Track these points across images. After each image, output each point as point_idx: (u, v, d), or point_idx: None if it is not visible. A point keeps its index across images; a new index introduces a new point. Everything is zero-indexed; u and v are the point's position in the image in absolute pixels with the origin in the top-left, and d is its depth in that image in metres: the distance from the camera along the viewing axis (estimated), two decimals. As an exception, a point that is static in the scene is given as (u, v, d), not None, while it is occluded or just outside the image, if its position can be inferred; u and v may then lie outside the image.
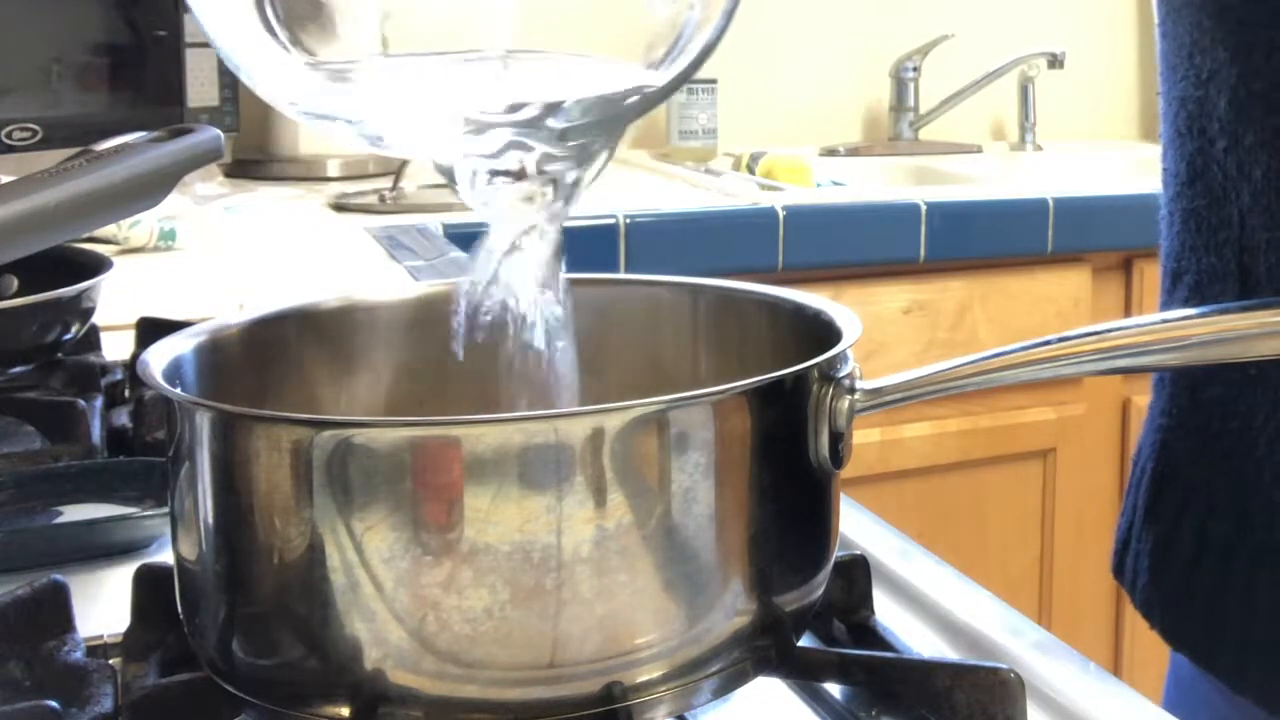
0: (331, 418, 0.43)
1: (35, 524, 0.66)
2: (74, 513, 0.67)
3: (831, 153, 2.22)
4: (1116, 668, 1.84)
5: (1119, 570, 0.71)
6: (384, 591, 0.41)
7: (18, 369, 0.84)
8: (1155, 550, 0.69)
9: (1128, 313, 1.80)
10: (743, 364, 0.52)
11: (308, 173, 1.87)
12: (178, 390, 0.45)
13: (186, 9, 1.66)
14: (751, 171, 1.98)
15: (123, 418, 0.79)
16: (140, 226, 1.32)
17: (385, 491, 0.40)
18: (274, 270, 1.31)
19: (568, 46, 0.48)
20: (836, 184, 2.03)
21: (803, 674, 0.49)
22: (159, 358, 0.47)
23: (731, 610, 0.44)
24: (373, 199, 1.66)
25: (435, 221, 1.51)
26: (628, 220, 1.55)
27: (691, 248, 1.58)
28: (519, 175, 0.46)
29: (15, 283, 0.85)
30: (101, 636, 0.52)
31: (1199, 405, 0.67)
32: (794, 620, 0.47)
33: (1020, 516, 1.78)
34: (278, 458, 0.41)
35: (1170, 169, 0.69)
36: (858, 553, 0.54)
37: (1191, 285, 0.67)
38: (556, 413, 0.46)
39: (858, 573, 0.54)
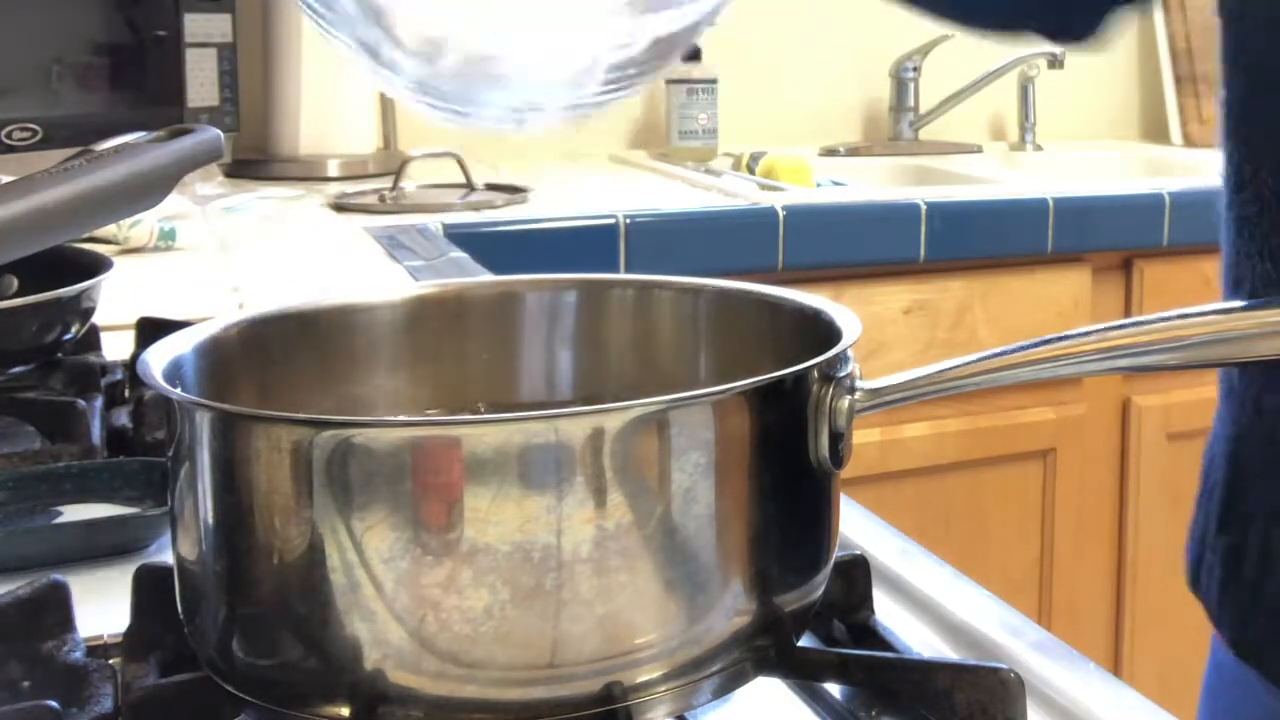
0: (331, 418, 0.43)
1: (35, 524, 0.66)
2: (74, 513, 0.67)
3: (831, 153, 2.22)
4: (1116, 668, 1.84)
5: (1195, 583, 0.71)
6: (384, 591, 0.41)
7: (18, 369, 0.84)
8: (1225, 561, 0.69)
9: (1128, 313, 1.80)
10: (743, 364, 0.52)
11: (308, 173, 1.87)
12: (178, 390, 0.45)
13: (187, 9, 1.66)
14: (751, 171, 1.98)
15: (123, 418, 0.79)
16: (140, 226, 1.32)
17: (385, 491, 0.40)
18: (274, 270, 1.31)
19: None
20: (836, 184, 2.03)
21: (803, 674, 0.49)
22: (159, 358, 0.47)
23: (731, 610, 0.44)
24: (373, 199, 1.66)
25: (435, 221, 1.51)
26: (628, 220, 1.55)
27: (691, 248, 1.58)
28: None
29: (15, 283, 0.85)
30: (101, 636, 0.52)
31: (1263, 413, 0.67)
32: (794, 620, 0.47)
33: (1020, 516, 1.78)
34: (278, 458, 0.41)
35: (1224, 174, 0.68)
36: (858, 553, 0.54)
37: (1249, 294, 0.66)
38: (556, 413, 0.46)
39: (858, 573, 0.54)
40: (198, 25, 1.68)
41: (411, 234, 1.46)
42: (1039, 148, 2.34)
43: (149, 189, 0.46)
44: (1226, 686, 0.75)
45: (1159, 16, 2.43)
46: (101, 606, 0.53)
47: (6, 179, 0.45)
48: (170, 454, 0.46)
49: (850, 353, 0.48)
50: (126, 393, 0.85)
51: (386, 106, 1.99)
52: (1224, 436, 0.70)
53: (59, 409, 0.77)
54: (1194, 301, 0.66)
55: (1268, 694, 0.70)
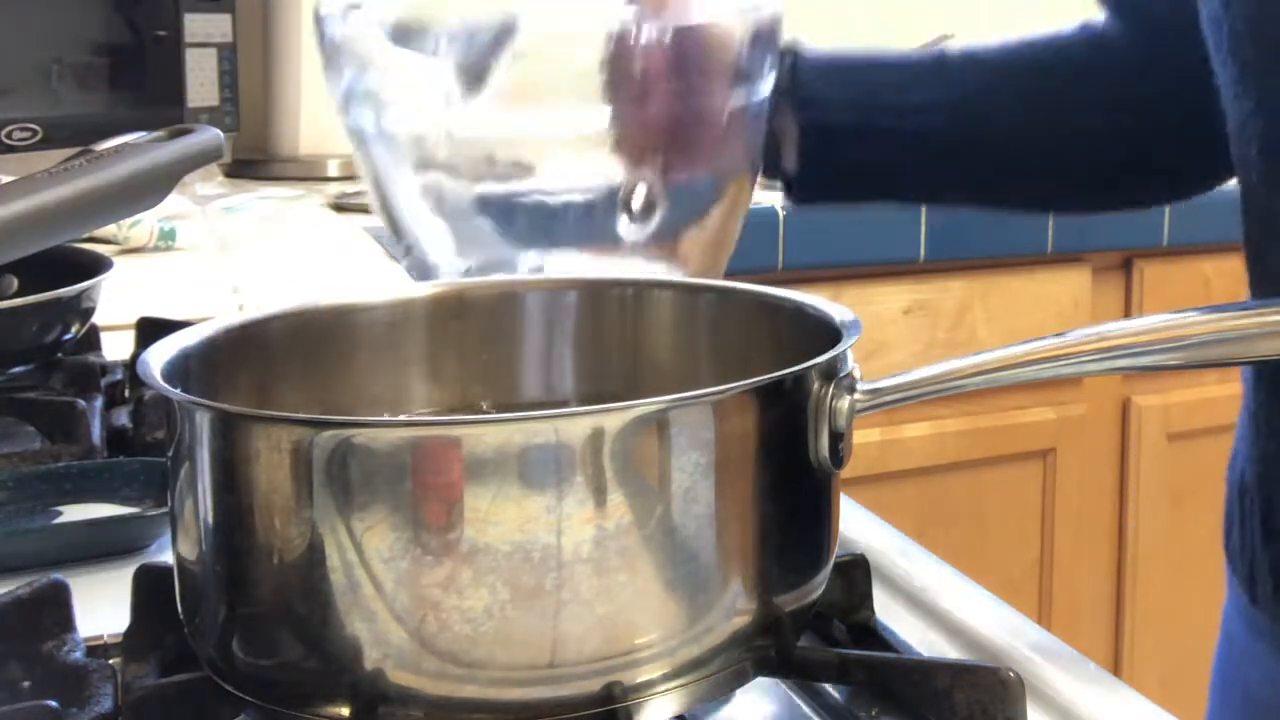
0: (331, 418, 0.43)
1: (35, 524, 0.66)
2: (74, 513, 0.67)
3: (831, 153, 2.22)
4: (1116, 668, 1.84)
5: (1254, 599, 0.72)
6: (384, 591, 0.41)
7: (18, 369, 0.84)
8: (1274, 571, 0.70)
9: (1128, 313, 1.80)
10: (743, 364, 0.52)
11: (308, 173, 1.87)
12: (178, 390, 0.45)
13: (187, 9, 1.66)
14: (751, 171, 1.98)
15: (123, 418, 0.79)
16: (140, 226, 1.32)
17: (385, 491, 0.40)
18: (274, 270, 1.31)
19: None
20: (836, 184, 2.03)
21: (803, 674, 0.49)
22: (159, 358, 0.47)
23: (731, 610, 0.44)
24: (373, 199, 1.65)
25: (435, 221, 1.51)
26: (628, 220, 1.55)
27: (691, 248, 1.58)
28: None
29: (15, 283, 0.85)
30: (101, 636, 0.52)
31: (1275, 435, 0.68)
32: (794, 620, 0.47)
33: (1020, 516, 1.78)
34: (278, 458, 0.41)
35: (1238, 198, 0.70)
36: (858, 553, 0.54)
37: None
38: (556, 413, 0.46)
39: (858, 573, 0.54)
40: (198, 25, 1.68)
41: (411, 234, 1.46)
42: (1039, 148, 2.33)
43: (149, 189, 0.47)
44: (1237, 657, 0.77)
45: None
46: (101, 606, 0.54)
47: (6, 179, 0.46)
48: (170, 454, 0.46)
49: (850, 353, 0.48)
50: (126, 393, 0.85)
51: (386, 106, 1.99)
52: (1253, 458, 0.71)
53: (59, 409, 0.77)
54: (1194, 301, 0.66)
55: (1268, 654, 0.72)
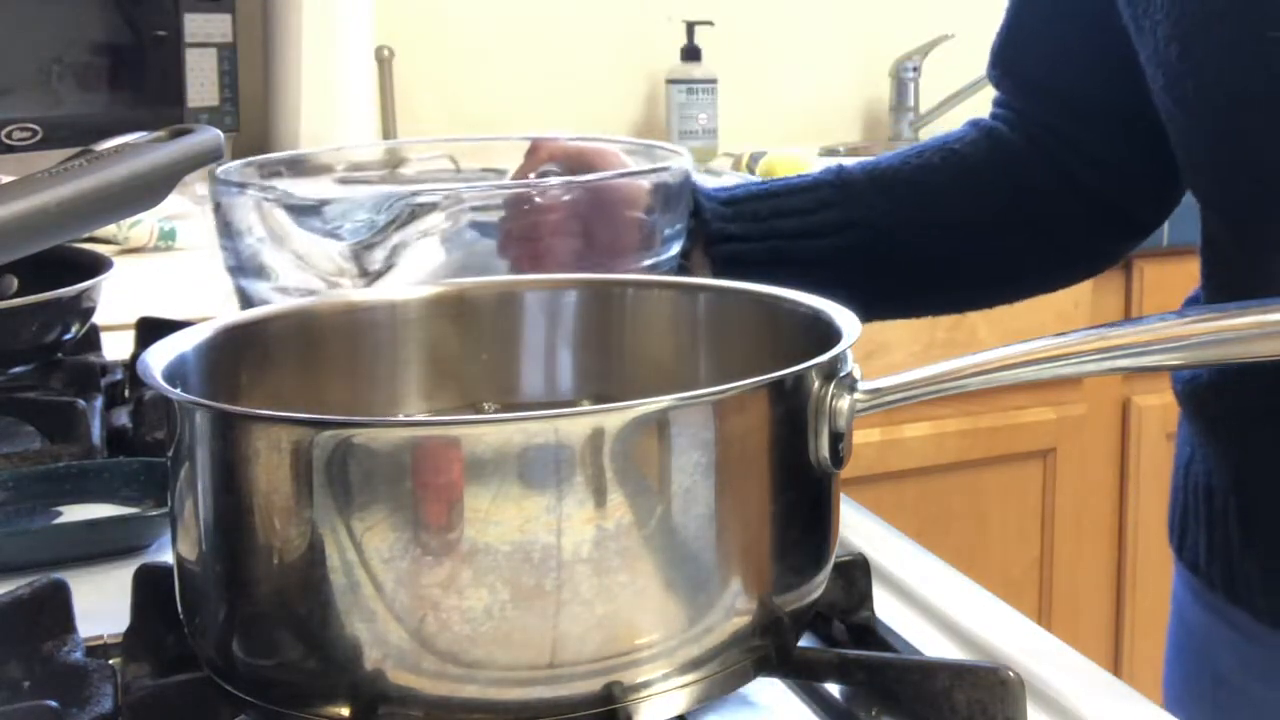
0: (331, 418, 0.43)
1: (35, 524, 0.66)
2: (74, 513, 0.67)
3: (831, 153, 2.22)
4: (1116, 668, 1.84)
5: (1234, 598, 0.73)
6: (384, 591, 0.41)
7: (18, 369, 0.84)
8: (1266, 570, 0.71)
9: (1128, 313, 1.80)
10: (743, 364, 0.52)
11: (308, 173, 1.86)
12: (177, 390, 0.45)
13: (187, 9, 1.66)
14: (751, 171, 1.98)
15: (123, 418, 0.79)
16: (140, 226, 1.32)
17: (385, 491, 0.40)
18: (274, 270, 1.31)
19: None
20: (836, 184, 2.02)
21: (803, 674, 0.49)
22: (159, 358, 0.47)
23: (731, 610, 0.44)
24: (373, 199, 1.65)
25: (435, 221, 1.51)
26: (628, 220, 1.55)
27: (691, 248, 1.58)
28: None
29: (15, 283, 0.85)
30: (101, 636, 0.52)
31: (1250, 451, 0.70)
32: (793, 620, 0.47)
33: (1020, 516, 1.78)
34: (278, 458, 0.41)
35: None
36: (858, 553, 0.54)
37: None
38: (557, 413, 0.46)
39: (858, 573, 0.54)
40: (198, 25, 1.68)
41: (411, 234, 1.46)
42: (1039, 148, 2.33)
43: (149, 189, 0.46)
44: (1190, 635, 0.78)
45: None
46: (101, 606, 0.54)
47: (6, 179, 0.46)
48: (170, 454, 0.46)
49: (850, 353, 0.48)
50: (126, 393, 0.85)
51: (386, 106, 1.99)
52: (1232, 464, 0.71)
53: (59, 409, 0.78)
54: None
55: (1234, 636, 0.73)
